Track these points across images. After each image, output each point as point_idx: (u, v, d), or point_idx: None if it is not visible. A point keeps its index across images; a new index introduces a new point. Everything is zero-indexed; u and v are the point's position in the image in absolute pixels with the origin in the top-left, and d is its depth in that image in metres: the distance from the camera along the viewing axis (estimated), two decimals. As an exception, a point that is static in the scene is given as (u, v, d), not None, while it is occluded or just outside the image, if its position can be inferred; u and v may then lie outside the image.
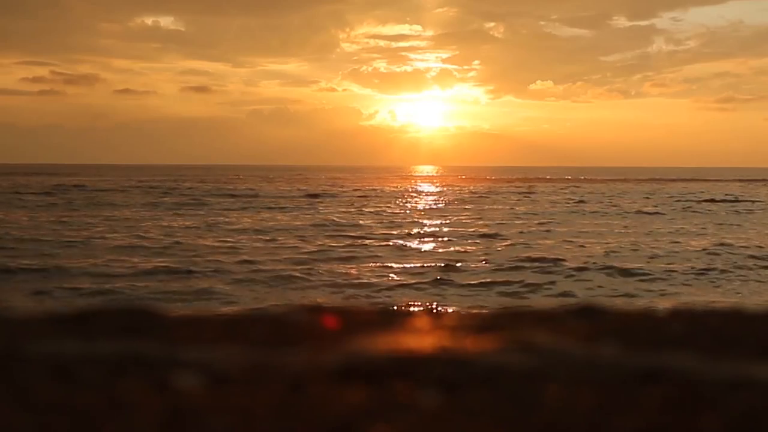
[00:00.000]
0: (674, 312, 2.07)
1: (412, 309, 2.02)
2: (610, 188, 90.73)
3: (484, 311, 2.05)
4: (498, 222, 43.34)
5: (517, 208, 55.63)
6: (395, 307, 2.04)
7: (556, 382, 1.46)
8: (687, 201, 63.73)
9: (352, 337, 1.74)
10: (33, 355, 1.60)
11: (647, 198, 69.18)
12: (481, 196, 72.32)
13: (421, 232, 38.27)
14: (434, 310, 2.00)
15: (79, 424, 1.28)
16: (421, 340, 1.74)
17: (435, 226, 41.39)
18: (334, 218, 44.36)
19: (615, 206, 57.65)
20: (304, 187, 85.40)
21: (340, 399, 1.38)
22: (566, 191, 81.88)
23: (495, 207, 57.42)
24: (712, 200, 64.29)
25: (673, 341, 1.78)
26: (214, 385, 1.44)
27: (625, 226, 41.44)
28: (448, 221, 43.96)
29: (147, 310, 1.99)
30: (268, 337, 1.79)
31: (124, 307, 2.00)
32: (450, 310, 1.96)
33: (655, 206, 57.19)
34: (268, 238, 34.05)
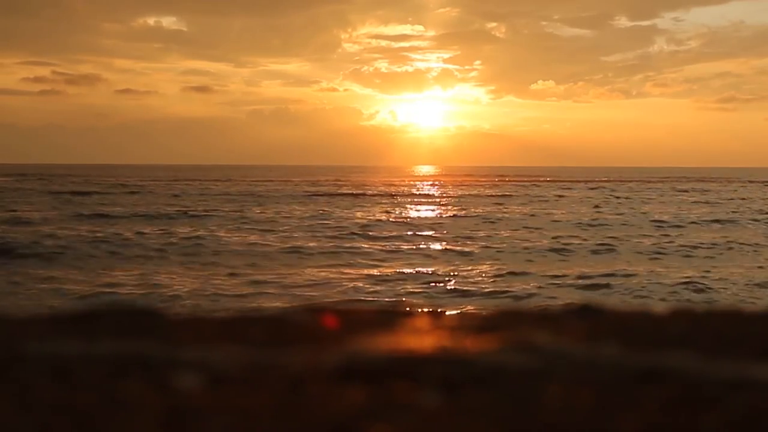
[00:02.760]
0: (674, 312, 2.07)
1: (412, 309, 2.02)
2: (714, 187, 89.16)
3: (484, 311, 2.05)
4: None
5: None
6: (395, 307, 2.03)
7: (556, 382, 1.46)
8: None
9: (352, 337, 1.74)
10: (34, 356, 1.60)
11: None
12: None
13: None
14: (434, 310, 2.00)
15: (80, 425, 1.28)
16: (421, 340, 1.74)
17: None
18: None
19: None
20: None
21: (340, 399, 1.38)
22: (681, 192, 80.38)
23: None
24: None
25: (673, 341, 1.78)
26: (214, 385, 1.44)
27: None
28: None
29: (147, 310, 2.00)
30: (268, 337, 1.79)
31: (125, 307, 2.00)
32: (448, 310, 1.96)
33: None
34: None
